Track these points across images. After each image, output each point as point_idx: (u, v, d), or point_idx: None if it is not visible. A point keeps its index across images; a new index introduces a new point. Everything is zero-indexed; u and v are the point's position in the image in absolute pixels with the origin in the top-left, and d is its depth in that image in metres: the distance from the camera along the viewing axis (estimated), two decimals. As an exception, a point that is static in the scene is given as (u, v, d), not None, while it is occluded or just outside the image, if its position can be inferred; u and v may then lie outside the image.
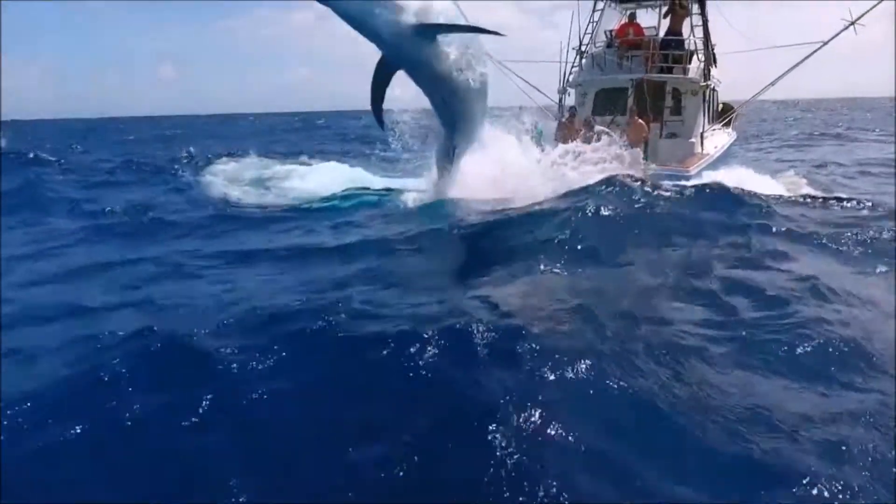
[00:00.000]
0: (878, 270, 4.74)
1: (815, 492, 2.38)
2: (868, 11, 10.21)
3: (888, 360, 3.37)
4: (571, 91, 13.60)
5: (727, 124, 14.66)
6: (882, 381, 3.20)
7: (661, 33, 13.03)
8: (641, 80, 12.17)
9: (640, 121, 11.86)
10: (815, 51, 10.87)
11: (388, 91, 6.56)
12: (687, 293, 4.24)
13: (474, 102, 6.84)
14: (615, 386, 2.99)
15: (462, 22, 5.66)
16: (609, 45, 13.50)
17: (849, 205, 7.28)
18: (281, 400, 2.96)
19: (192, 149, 17.09)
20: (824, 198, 7.88)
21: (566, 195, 7.22)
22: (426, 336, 3.36)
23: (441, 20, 5.27)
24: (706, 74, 12.50)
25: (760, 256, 5.05)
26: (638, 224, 5.89)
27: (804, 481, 2.42)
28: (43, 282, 5.15)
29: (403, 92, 6.62)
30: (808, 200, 7.64)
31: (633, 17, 13.97)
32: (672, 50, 12.31)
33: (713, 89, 13.43)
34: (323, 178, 11.08)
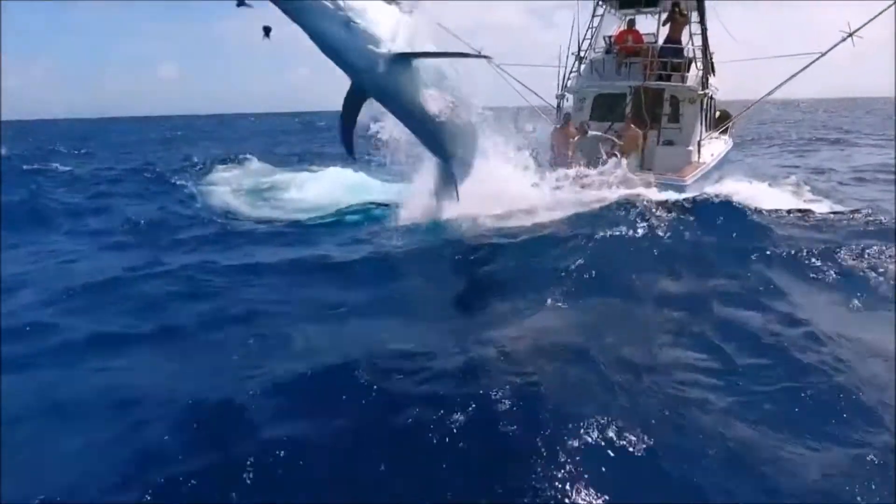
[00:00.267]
0: (878, 312, 4.65)
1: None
2: (866, 24, 10.27)
3: (884, 411, 3.36)
4: (569, 96, 13.67)
5: (724, 132, 14.74)
6: (877, 434, 3.19)
7: (660, 41, 13.12)
8: (639, 88, 12.25)
9: (635, 128, 11.95)
10: (812, 62, 10.94)
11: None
12: (685, 337, 4.25)
13: (464, 137, 6.58)
14: (625, 445, 3.04)
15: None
16: (608, 51, 13.57)
17: (851, 221, 7.15)
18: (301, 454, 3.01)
19: (194, 157, 17.13)
20: (827, 213, 7.77)
21: (570, 219, 7.17)
22: (437, 390, 3.45)
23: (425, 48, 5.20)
24: (704, 83, 12.57)
25: (758, 293, 4.98)
26: (640, 252, 5.84)
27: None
28: (54, 302, 5.18)
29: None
30: (810, 218, 7.50)
31: (632, 23, 14.05)
32: (671, 58, 12.38)
33: (711, 97, 13.50)
34: (327, 187, 11.07)
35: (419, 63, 5.07)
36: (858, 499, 2.74)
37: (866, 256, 5.68)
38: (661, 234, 6.26)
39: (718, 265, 5.58)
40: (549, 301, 4.71)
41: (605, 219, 6.83)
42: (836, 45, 10.49)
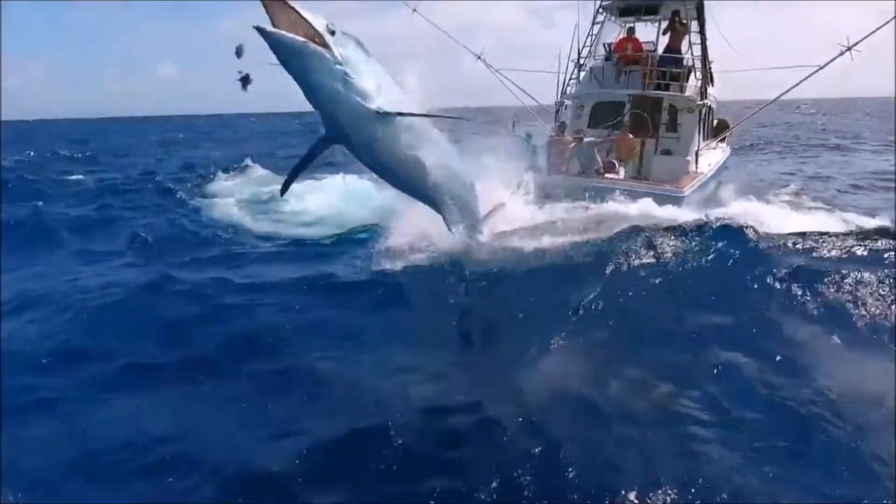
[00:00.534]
0: (879, 358, 4.55)
1: None
2: (864, 39, 10.36)
3: (880, 466, 3.36)
4: (568, 103, 13.74)
5: (722, 140, 14.84)
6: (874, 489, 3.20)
7: (660, 49, 13.21)
8: (638, 96, 12.33)
9: (633, 137, 12.03)
10: (810, 75, 11.02)
11: None
12: (689, 386, 4.20)
13: (453, 186, 6.23)
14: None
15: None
16: (608, 59, 13.66)
17: (856, 244, 6.93)
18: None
19: (196, 164, 17.17)
20: (832, 233, 7.55)
21: (574, 246, 7.01)
22: (454, 453, 3.56)
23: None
24: (703, 93, 12.65)
25: (762, 335, 4.89)
26: (647, 288, 5.72)
27: None
28: (65, 328, 5.17)
29: None
30: (815, 242, 7.21)
31: (631, 31, 14.14)
32: (670, 67, 12.46)
33: (709, 107, 13.59)
34: (329, 198, 11.11)
35: (404, 119, 5.06)
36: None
37: (872, 291, 5.51)
38: (667, 266, 6.16)
39: (724, 303, 5.47)
40: (554, 341, 4.70)
41: (611, 247, 6.71)
42: (833, 59, 10.59)
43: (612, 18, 14.26)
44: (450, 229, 6.06)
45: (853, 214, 9.88)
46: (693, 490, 3.18)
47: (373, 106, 4.63)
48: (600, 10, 13.83)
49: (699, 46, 12.84)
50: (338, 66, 4.39)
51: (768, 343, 4.75)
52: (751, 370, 4.36)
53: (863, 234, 7.36)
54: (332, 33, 4.33)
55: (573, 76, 13.74)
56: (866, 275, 5.76)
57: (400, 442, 3.56)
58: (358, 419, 3.86)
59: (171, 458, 3.50)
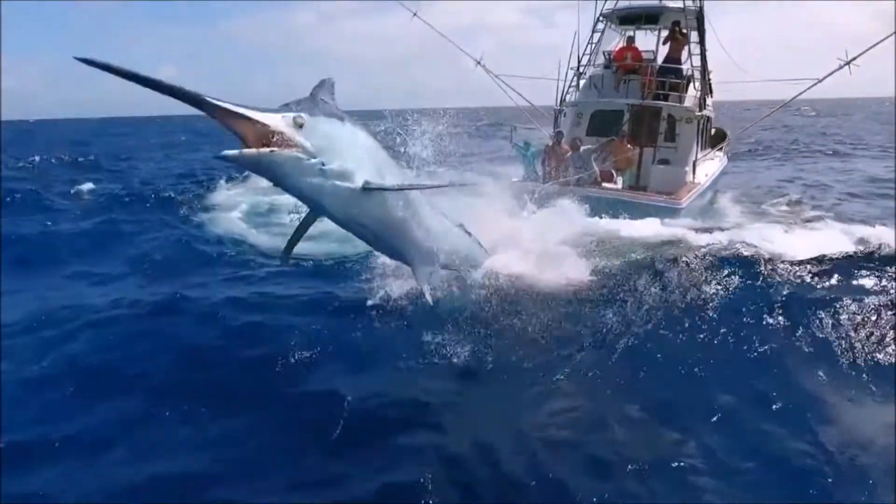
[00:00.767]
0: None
1: None
2: (863, 53, 10.44)
3: None
4: (567, 110, 13.80)
5: (719, 150, 14.94)
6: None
7: (660, 59, 13.29)
8: (637, 106, 12.41)
9: (630, 146, 12.10)
10: (808, 88, 11.12)
11: None
12: (692, 446, 4.11)
13: (450, 244, 5.84)
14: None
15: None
16: (607, 66, 13.75)
17: (866, 272, 6.74)
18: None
19: (198, 170, 17.24)
20: (840, 258, 7.32)
21: (594, 273, 6.85)
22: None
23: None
24: (702, 103, 12.74)
25: (771, 385, 4.77)
26: (650, 323, 5.58)
27: None
28: (82, 351, 5.16)
29: None
30: (824, 266, 7.04)
31: (631, 40, 14.22)
32: (669, 77, 12.54)
33: (707, 118, 13.68)
34: None
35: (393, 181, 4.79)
36: None
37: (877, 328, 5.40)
38: (671, 298, 6.02)
39: (728, 340, 5.35)
40: (555, 375, 4.71)
41: (614, 277, 6.61)
42: (832, 73, 10.66)
43: (612, 26, 14.35)
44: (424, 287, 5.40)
45: (858, 226, 9.76)
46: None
47: (356, 184, 4.30)
48: (600, 19, 13.91)
49: (699, 57, 12.91)
50: (312, 161, 4.03)
51: (769, 385, 4.72)
52: (750, 416, 4.35)
53: (866, 258, 7.24)
54: (301, 126, 3.96)
55: (572, 83, 13.83)
56: (871, 306, 5.73)
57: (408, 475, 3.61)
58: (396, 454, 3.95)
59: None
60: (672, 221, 10.21)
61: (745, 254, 7.29)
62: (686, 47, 12.94)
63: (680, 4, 12.38)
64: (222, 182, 13.42)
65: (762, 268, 6.78)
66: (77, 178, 14.48)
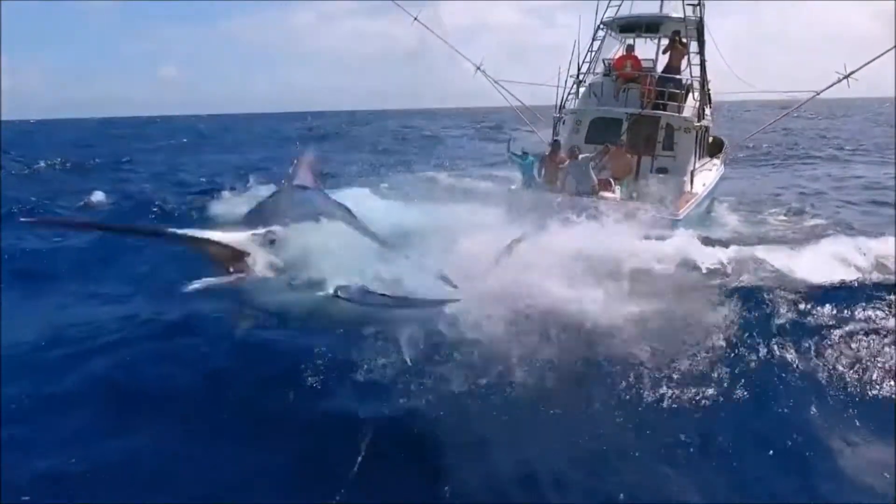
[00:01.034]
0: None
1: None
2: (861, 68, 10.56)
3: None
4: (565, 118, 13.90)
5: (717, 158, 15.08)
6: None
7: (659, 68, 13.41)
8: (636, 115, 12.53)
9: (628, 155, 12.20)
10: (807, 100, 11.24)
11: None
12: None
13: None
14: None
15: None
16: (607, 74, 13.86)
17: (870, 299, 6.67)
18: None
19: (201, 177, 17.34)
20: (843, 285, 7.21)
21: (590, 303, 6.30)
22: None
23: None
24: (700, 114, 12.86)
25: (775, 428, 4.76)
26: (656, 355, 5.48)
27: None
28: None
29: None
30: (838, 292, 6.98)
31: (630, 48, 14.33)
32: (669, 87, 12.65)
33: (706, 127, 13.80)
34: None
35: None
36: None
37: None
38: (680, 328, 5.88)
39: (734, 377, 5.29)
40: (555, 411, 4.72)
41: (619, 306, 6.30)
42: (830, 86, 10.79)
43: (612, 34, 14.46)
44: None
45: (860, 240, 9.60)
46: None
47: (327, 291, 4.09)
48: (601, 27, 14.03)
49: (698, 67, 13.03)
50: (282, 276, 3.85)
51: (773, 428, 4.74)
52: (755, 461, 4.37)
53: (873, 286, 7.14)
54: (272, 241, 3.76)
55: (572, 91, 13.94)
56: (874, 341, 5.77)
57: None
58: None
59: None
60: (670, 233, 10.28)
61: (752, 281, 7.22)
62: (686, 57, 13.06)
63: (680, 14, 12.51)
64: (226, 193, 13.47)
65: (771, 296, 6.70)
66: (84, 187, 14.55)
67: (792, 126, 45.06)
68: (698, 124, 12.64)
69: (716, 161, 14.91)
